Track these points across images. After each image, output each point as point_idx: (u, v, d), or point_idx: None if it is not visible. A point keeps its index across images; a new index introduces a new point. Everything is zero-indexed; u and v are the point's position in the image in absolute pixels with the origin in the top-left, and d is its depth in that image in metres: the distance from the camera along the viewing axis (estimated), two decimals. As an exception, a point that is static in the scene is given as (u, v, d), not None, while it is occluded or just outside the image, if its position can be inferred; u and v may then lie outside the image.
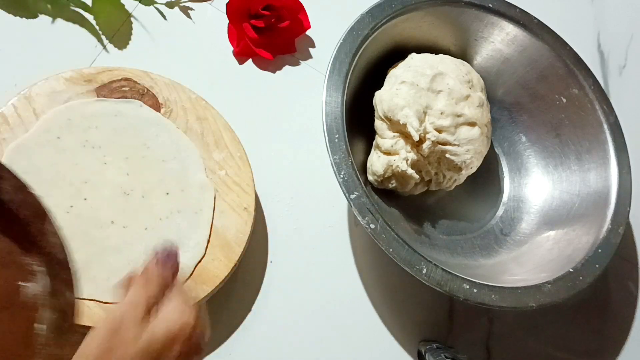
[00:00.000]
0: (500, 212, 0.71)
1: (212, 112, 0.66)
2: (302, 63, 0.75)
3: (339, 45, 0.64)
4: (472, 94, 0.67)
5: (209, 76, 0.72)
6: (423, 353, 0.62)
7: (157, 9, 0.74)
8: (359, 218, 0.57)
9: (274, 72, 0.74)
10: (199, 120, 0.65)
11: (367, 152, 0.68)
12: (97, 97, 0.64)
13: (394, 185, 0.66)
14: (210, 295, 0.59)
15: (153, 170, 0.62)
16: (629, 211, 0.64)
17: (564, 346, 0.68)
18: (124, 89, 0.65)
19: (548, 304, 0.58)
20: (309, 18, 0.74)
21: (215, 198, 0.62)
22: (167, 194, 0.61)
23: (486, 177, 0.72)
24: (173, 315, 0.45)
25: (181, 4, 0.75)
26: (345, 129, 0.60)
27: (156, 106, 0.65)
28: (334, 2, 0.78)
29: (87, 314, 0.55)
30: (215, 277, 0.59)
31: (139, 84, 0.65)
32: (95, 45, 0.70)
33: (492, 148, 0.72)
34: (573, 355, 0.68)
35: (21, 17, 0.69)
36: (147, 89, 0.65)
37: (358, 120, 0.65)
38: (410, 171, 0.64)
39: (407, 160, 0.64)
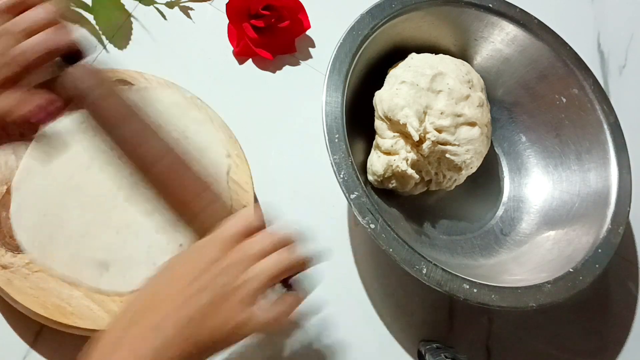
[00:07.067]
0: (500, 212, 0.71)
1: (208, 112, 0.66)
2: (302, 63, 0.75)
3: (339, 45, 0.64)
4: (472, 94, 0.67)
5: (209, 76, 0.72)
6: (423, 353, 0.62)
7: (157, 9, 0.74)
8: (359, 218, 0.57)
9: (274, 72, 0.74)
10: (195, 120, 0.65)
11: (367, 152, 0.68)
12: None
13: (394, 185, 0.66)
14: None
15: None
16: (629, 211, 0.64)
17: (564, 346, 0.68)
18: None
19: (548, 304, 0.58)
20: (309, 18, 0.74)
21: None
22: None
23: (486, 177, 0.72)
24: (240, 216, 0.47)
25: (181, 4, 0.75)
26: (345, 129, 0.60)
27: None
28: (334, 2, 0.78)
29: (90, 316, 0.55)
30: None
31: (134, 85, 0.65)
32: (95, 45, 0.70)
33: (492, 148, 0.72)
34: (573, 355, 0.68)
35: (21, 17, 0.69)
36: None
37: (358, 120, 0.65)
38: (410, 171, 0.64)
39: (407, 160, 0.64)
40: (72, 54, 0.49)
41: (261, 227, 0.48)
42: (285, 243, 0.47)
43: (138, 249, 0.58)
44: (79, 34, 0.49)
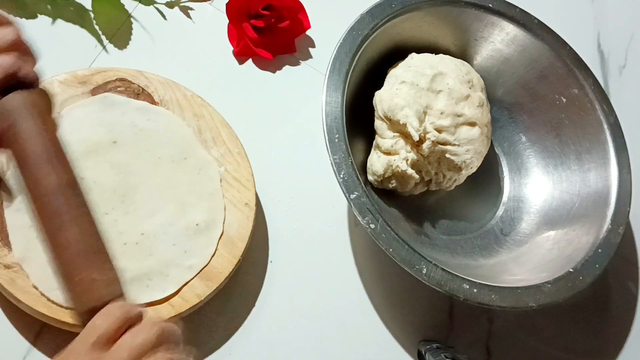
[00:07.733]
0: (500, 212, 0.71)
1: (209, 109, 0.66)
2: (302, 63, 0.75)
3: (339, 45, 0.64)
4: (472, 93, 0.67)
5: (209, 76, 0.72)
6: (423, 353, 0.62)
7: (157, 9, 0.74)
8: (359, 218, 0.57)
9: (274, 72, 0.74)
10: (195, 118, 0.65)
11: (367, 152, 0.68)
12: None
13: (394, 185, 0.66)
14: (214, 294, 0.59)
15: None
16: (629, 211, 0.64)
17: (564, 346, 0.68)
18: (119, 89, 0.65)
19: (548, 304, 0.58)
20: (309, 18, 0.74)
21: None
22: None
23: (486, 177, 0.72)
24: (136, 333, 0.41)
25: (181, 4, 0.75)
26: (345, 129, 0.60)
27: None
28: (334, 2, 0.78)
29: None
30: (219, 273, 0.59)
31: (134, 83, 0.65)
32: (95, 45, 0.70)
33: (492, 148, 0.72)
34: (573, 355, 0.68)
35: (20, 17, 0.69)
36: (142, 88, 0.65)
37: (358, 120, 0.65)
38: (410, 171, 0.64)
39: (407, 160, 0.64)
40: (20, 83, 0.45)
41: (137, 317, 0.42)
42: (163, 339, 0.41)
43: (166, 249, 0.59)
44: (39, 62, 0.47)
